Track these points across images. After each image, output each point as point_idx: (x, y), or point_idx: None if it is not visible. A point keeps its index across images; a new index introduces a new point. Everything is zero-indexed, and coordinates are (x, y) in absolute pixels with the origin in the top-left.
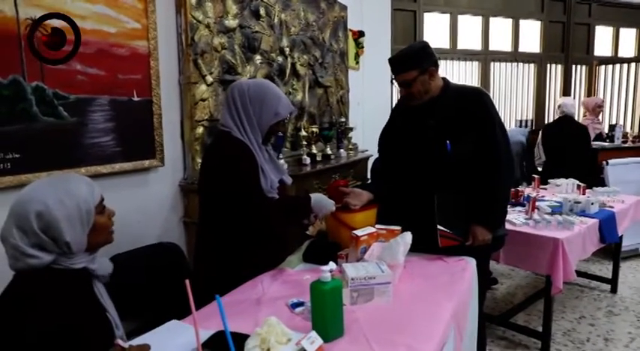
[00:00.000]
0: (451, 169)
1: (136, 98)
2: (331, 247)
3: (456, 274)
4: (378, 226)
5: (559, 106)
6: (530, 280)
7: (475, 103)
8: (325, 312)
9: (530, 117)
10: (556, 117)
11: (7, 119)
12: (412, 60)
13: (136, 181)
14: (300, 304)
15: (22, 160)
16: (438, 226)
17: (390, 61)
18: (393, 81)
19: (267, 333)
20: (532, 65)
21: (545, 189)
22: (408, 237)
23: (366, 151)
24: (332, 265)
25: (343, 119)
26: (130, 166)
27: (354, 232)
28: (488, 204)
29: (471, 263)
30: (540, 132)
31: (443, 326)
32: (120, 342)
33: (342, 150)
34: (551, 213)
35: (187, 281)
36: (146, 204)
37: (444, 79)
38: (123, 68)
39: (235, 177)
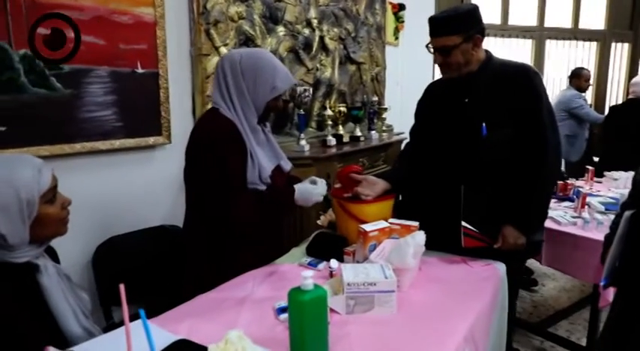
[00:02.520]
0: (484, 157)
1: (140, 70)
2: (338, 242)
3: (479, 283)
4: (391, 220)
5: (630, 85)
6: (577, 283)
7: (520, 82)
8: (304, 327)
9: (588, 103)
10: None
11: None
12: (457, 23)
13: (140, 159)
14: (287, 309)
15: (9, 133)
16: (463, 223)
17: (431, 20)
18: (429, 46)
19: None
20: (594, 44)
21: (601, 182)
22: (419, 237)
23: (402, 133)
24: (334, 262)
25: (375, 98)
26: (133, 143)
27: (362, 226)
28: (526, 202)
29: (499, 270)
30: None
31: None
32: (51, 349)
33: (373, 132)
34: (604, 211)
35: (122, 286)
36: (151, 183)
37: (486, 51)
38: (125, 37)
39: (212, 164)
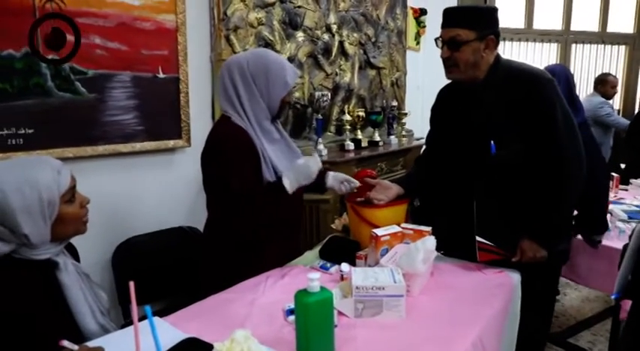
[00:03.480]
0: (494, 174)
1: (161, 75)
2: (351, 246)
3: (490, 290)
4: (404, 225)
5: None
6: (601, 293)
7: (530, 93)
8: (309, 329)
9: (616, 108)
10: None
11: (20, 93)
12: (474, 17)
13: (160, 162)
14: None
15: (36, 135)
16: (477, 238)
17: (447, 10)
18: (438, 39)
19: (228, 350)
20: (623, 48)
21: (627, 190)
22: (430, 242)
23: (422, 138)
24: (345, 266)
25: (395, 103)
26: (153, 146)
27: (375, 230)
28: (547, 217)
29: (512, 277)
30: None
31: None
32: (65, 343)
33: (392, 136)
34: (626, 219)
35: (132, 283)
36: (171, 185)
37: (496, 56)
38: (147, 43)
39: (220, 172)
